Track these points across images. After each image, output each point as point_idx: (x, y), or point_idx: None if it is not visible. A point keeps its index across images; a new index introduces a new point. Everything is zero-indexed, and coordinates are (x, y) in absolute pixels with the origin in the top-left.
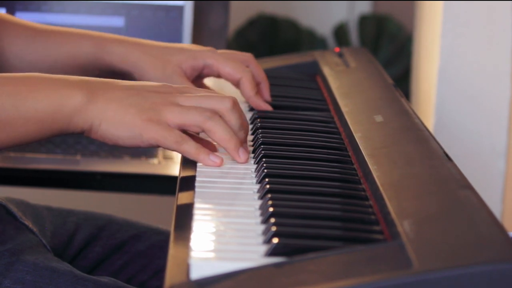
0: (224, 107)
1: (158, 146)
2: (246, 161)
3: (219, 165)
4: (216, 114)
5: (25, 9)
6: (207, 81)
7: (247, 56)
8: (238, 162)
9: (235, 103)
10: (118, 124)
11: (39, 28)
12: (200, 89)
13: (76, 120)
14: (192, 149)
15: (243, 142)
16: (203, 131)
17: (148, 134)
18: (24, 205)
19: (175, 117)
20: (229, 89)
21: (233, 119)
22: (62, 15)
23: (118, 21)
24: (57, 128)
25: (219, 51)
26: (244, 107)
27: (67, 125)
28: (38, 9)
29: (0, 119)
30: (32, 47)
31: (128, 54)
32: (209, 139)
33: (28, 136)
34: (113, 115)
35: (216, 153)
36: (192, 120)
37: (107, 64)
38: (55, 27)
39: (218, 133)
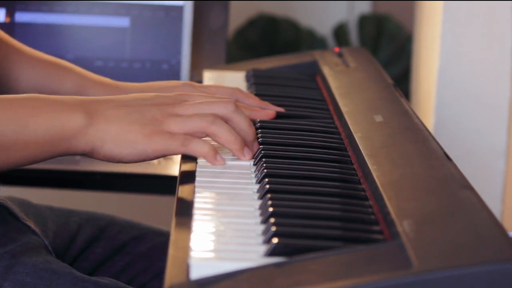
0: (226, 111)
1: (166, 156)
2: (251, 158)
3: (223, 165)
4: (218, 117)
5: (25, 9)
6: (208, 73)
7: (233, 89)
8: (244, 160)
9: (236, 105)
10: (121, 143)
11: (28, 52)
12: (197, 95)
13: (76, 143)
14: (199, 146)
15: (254, 141)
16: (207, 136)
17: (153, 147)
18: (26, 205)
19: (178, 127)
20: (231, 81)
21: (239, 121)
22: (62, 15)
23: (119, 22)
24: (57, 151)
25: (207, 85)
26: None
27: (67, 148)
28: (38, 9)
29: (0, 143)
30: (18, 72)
31: None
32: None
33: (28, 159)
34: (115, 135)
35: (221, 155)
36: (195, 127)
37: None
38: (42, 55)
39: (223, 136)
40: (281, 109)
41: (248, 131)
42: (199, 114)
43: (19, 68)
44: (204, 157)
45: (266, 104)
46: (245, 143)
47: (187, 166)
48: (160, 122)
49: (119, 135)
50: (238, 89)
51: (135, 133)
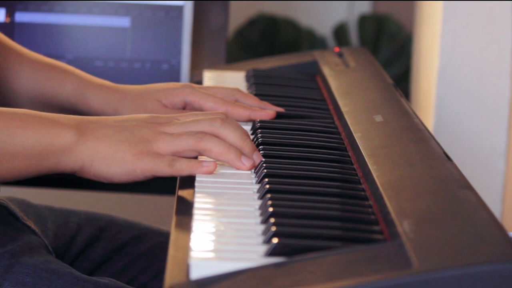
0: (214, 127)
1: (155, 176)
2: (253, 167)
3: (214, 169)
4: (206, 133)
5: (25, 9)
6: (208, 73)
7: (233, 89)
8: (244, 170)
9: (224, 118)
10: (110, 161)
11: (27, 55)
12: (187, 114)
13: (65, 160)
14: (183, 164)
15: (254, 150)
16: (199, 154)
17: (141, 167)
18: (26, 205)
19: (167, 146)
20: (231, 81)
21: (229, 134)
22: (62, 15)
23: (119, 22)
24: (44, 167)
25: (206, 86)
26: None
27: (55, 165)
28: (38, 9)
29: None
30: (18, 75)
31: (109, 101)
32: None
33: (14, 172)
34: (104, 153)
35: (208, 160)
36: (184, 145)
37: (87, 108)
38: (42, 58)
39: (214, 149)
40: (281, 109)
41: (240, 143)
42: (188, 132)
43: (19, 71)
44: (191, 172)
45: (265, 104)
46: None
47: None
48: (149, 142)
49: (108, 153)
50: (237, 90)
51: (123, 152)
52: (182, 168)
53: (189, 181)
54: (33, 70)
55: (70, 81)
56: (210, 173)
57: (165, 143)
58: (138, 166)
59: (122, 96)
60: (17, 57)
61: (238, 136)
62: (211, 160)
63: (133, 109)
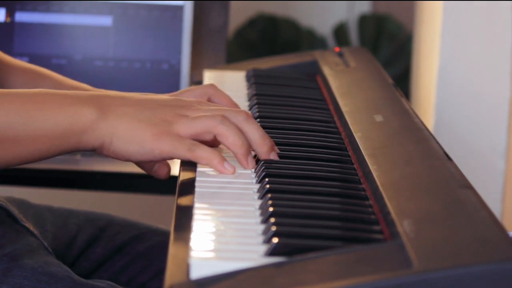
0: (237, 120)
1: (172, 158)
2: (253, 168)
3: (232, 173)
4: (227, 119)
5: (22, 9)
6: (208, 73)
7: (207, 87)
8: (245, 169)
9: (249, 116)
10: (129, 140)
11: (7, 61)
12: (212, 103)
13: (86, 137)
14: (206, 154)
15: (272, 149)
16: (214, 137)
17: (160, 148)
18: (25, 206)
19: (186, 127)
20: (231, 81)
21: (251, 131)
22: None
23: (102, 20)
24: (67, 146)
25: (180, 91)
26: (244, 106)
27: (77, 143)
28: (37, 9)
29: (8, 137)
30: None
31: None
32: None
33: (37, 154)
34: (124, 132)
35: (229, 162)
36: (203, 126)
37: None
38: (21, 63)
39: (230, 137)
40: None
41: (261, 141)
42: (208, 115)
43: (1, 76)
44: (211, 165)
45: (236, 105)
46: (266, 151)
47: (187, 166)
48: (170, 123)
49: (128, 132)
50: (211, 87)
51: (143, 131)
52: (202, 156)
53: (189, 181)
54: (12, 75)
55: (47, 84)
56: (230, 173)
57: (184, 125)
58: (157, 147)
59: None
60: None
61: (261, 133)
62: (232, 164)
63: None
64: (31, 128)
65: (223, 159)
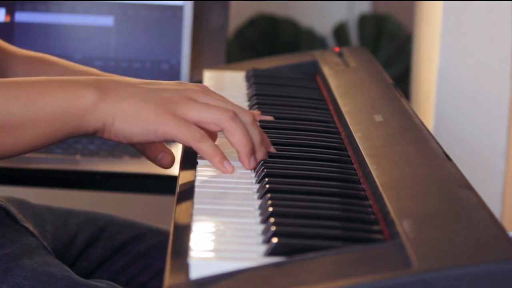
0: (243, 120)
1: (173, 141)
2: (254, 168)
3: (231, 173)
4: (237, 116)
5: (22, 9)
6: (208, 73)
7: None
8: (246, 169)
9: (254, 119)
10: (132, 120)
11: (12, 51)
12: (217, 93)
13: (87, 119)
14: (210, 149)
15: (266, 156)
16: (221, 130)
17: (164, 128)
18: (25, 206)
19: (194, 112)
20: (231, 81)
21: (254, 133)
22: (62, 15)
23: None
24: (68, 130)
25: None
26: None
27: (78, 126)
28: (37, 9)
29: (8, 123)
30: (3, 69)
31: None
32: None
33: (39, 140)
34: (126, 112)
35: (229, 161)
36: (212, 117)
37: None
38: (26, 52)
39: (237, 135)
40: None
41: (259, 144)
42: (218, 107)
43: (4, 65)
44: (211, 161)
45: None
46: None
47: (187, 166)
48: (176, 104)
49: (131, 112)
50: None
51: (148, 110)
52: (206, 150)
53: (189, 181)
54: (18, 64)
55: (54, 70)
56: (228, 173)
57: (192, 109)
58: (161, 127)
59: None
60: (2, 54)
61: (262, 137)
62: (232, 163)
63: None
64: (31, 113)
65: (224, 158)
